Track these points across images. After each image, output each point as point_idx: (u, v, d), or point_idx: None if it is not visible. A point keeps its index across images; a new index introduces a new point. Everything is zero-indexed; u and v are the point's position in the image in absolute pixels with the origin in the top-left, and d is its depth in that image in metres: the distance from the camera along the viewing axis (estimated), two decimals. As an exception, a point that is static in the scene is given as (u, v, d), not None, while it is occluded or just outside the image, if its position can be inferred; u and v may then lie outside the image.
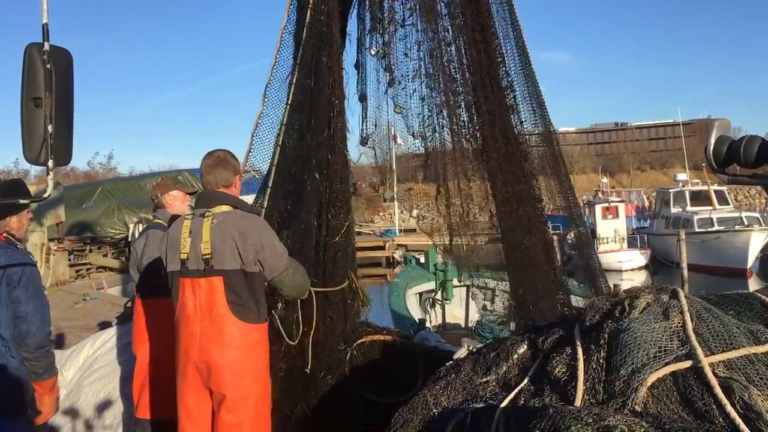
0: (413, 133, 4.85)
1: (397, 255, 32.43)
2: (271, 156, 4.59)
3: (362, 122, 5.01)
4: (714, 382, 2.16)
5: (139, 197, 21.57)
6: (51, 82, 2.29)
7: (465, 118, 4.79)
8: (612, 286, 5.65)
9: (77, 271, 17.41)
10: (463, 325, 8.75)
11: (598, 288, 5.15)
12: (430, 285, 11.39)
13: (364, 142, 5.02)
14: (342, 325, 4.72)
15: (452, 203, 5.08)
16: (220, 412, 3.29)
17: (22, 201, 3.42)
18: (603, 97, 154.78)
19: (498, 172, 4.73)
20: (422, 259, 14.89)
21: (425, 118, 4.83)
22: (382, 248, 34.32)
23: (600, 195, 37.92)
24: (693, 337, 2.35)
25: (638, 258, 29.41)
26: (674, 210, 31.54)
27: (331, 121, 4.63)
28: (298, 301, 4.16)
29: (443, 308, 9.32)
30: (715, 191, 30.73)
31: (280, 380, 4.16)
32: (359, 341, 4.79)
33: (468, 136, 4.81)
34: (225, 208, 3.46)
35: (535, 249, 4.76)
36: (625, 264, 28.31)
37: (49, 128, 2.27)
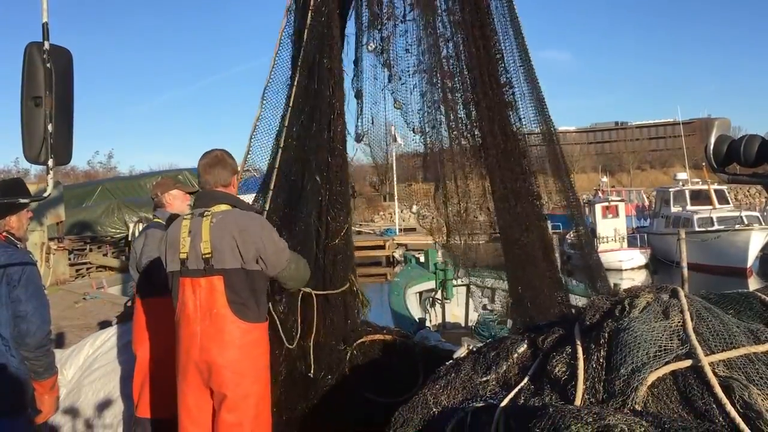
0: (413, 128, 4.84)
1: (397, 254, 32.46)
2: (270, 157, 4.59)
3: (357, 119, 5.00)
4: (714, 381, 2.16)
5: (139, 196, 21.59)
6: (51, 81, 2.29)
7: (463, 115, 4.78)
8: (612, 285, 5.65)
9: (77, 271, 17.42)
10: (463, 325, 8.75)
11: (597, 287, 5.14)
12: (430, 284, 11.39)
13: (359, 138, 5.01)
14: (343, 327, 4.72)
15: (450, 201, 5.07)
16: (221, 412, 3.29)
17: (22, 200, 3.42)
18: (603, 97, 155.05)
19: (497, 169, 4.72)
20: (422, 259, 14.88)
21: (425, 114, 4.82)
22: (382, 247, 34.36)
23: (600, 194, 37.92)
24: (693, 337, 2.35)
25: (638, 257, 29.45)
26: (674, 209, 31.57)
27: (332, 123, 4.64)
28: (299, 304, 4.17)
29: (443, 307, 9.32)
30: (715, 190, 30.75)
31: (280, 380, 4.17)
32: (359, 341, 4.79)
33: (466, 133, 4.79)
34: (224, 207, 3.46)
35: (533, 246, 4.75)
36: (625, 263, 28.36)
37: (49, 127, 2.27)
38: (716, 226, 27.74)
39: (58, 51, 2.35)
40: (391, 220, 48.61)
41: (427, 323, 9.03)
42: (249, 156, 4.67)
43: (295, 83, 4.47)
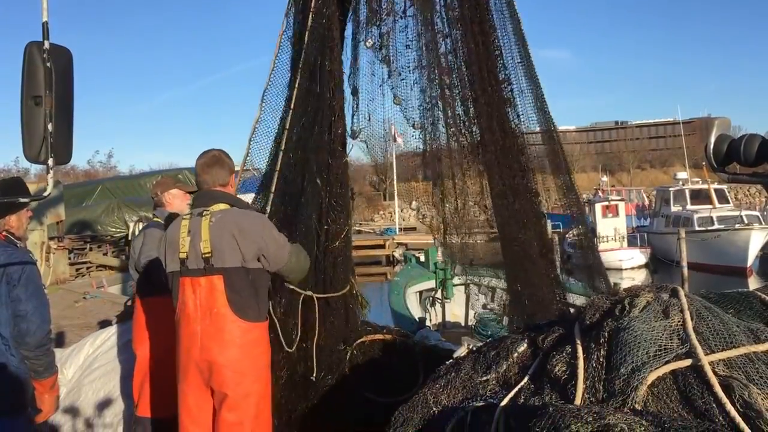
0: (413, 124, 4.82)
1: (397, 253, 32.45)
2: (270, 160, 4.59)
3: (353, 116, 4.99)
4: (714, 380, 2.16)
5: (139, 196, 21.59)
6: (51, 80, 2.29)
7: (461, 112, 4.77)
8: (612, 284, 5.65)
9: (77, 270, 17.41)
10: (463, 324, 8.75)
11: (598, 287, 5.14)
12: (430, 283, 11.38)
13: (354, 135, 5.00)
14: (343, 328, 4.73)
15: (447, 198, 5.06)
16: (222, 411, 3.29)
17: (22, 200, 3.42)
18: (603, 96, 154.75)
19: (495, 166, 4.72)
20: (422, 258, 14.87)
21: (425, 110, 4.80)
22: (382, 247, 34.35)
23: (600, 193, 37.95)
24: (693, 336, 2.35)
25: (638, 256, 29.45)
26: (674, 208, 31.58)
27: (332, 125, 4.64)
28: (300, 307, 4.18)
29: (443, 307, 9.31)
30: (715, 190, 30.74)
31: (281, 382, 4.18)
32: (359, 340, 4.79)
33: (464, 131, 4.78)
34: (223, 206, 3.47)
35: (530, 243, 4.75)
36: (625, 262, 28.36)
37: (49, 127, 2.27)
38: (716, 226, 27.73)
39: (58, 50, 2.35)
40: (391, 219, 48.58)
41: (427, 323, 9.04)
42: (248, 159, 4.67)
43: (296, 85, 4.47)
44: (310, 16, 4.47)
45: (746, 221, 27.78)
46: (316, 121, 4.47)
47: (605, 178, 51.15)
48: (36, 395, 3.37)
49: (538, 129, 5.03)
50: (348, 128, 4.94)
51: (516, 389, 2.58)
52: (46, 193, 2.42)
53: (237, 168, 4.02)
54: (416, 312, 10.84)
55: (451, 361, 3.21)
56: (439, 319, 9.31)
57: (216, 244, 3.32)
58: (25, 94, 2.29)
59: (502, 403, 2.48)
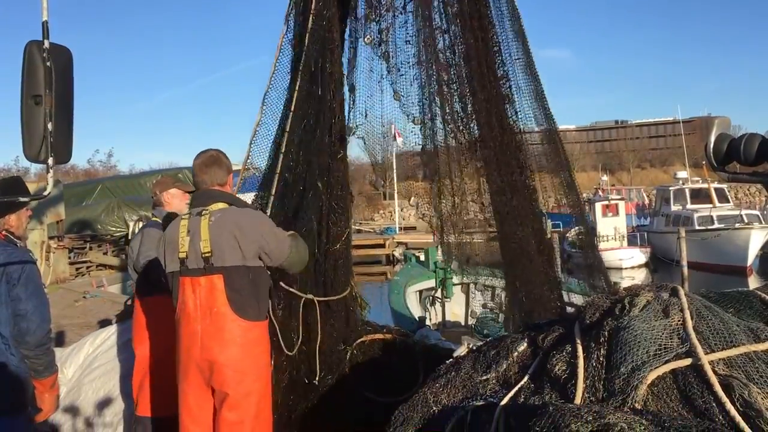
0: (413, 119, 4.81)
1: (397, 253, 32.43)
2: (270, 162, 4.58)
3: (349, 112, 4.98)
4: (714, 379, 2.16)
5: (139, 195, 21.56)
6: (51, 79, 2.28)
7: (458, 108, 4.76)
8: (612, 283, 5.65)
9: (77, 269, 17.40)
10: (463, 323, 8.76)
11: (598, 286, 5.14)
12: (430, 283, 11.37)
13: (349, 132, 4.99)
14: (343, 330, 4.74)
15: (444, 195, 5.05)
16: (222, 410, 3.29)
17: (21, 199, 3.42)
18: (603, 95, 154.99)
19: (494, 162, 4.71)
20: (422, 257, 14.86)
21: (424, 106, 4.79)
22: (382, 246, 34.32)
23: (600, 193, 37.95)
24: (693, 335, 2.35)
25: (638, 256, 29.44)
26: (674, 208, 31.57)
27: (332, 127, 4.64)
28: (300, 310, 4.18)
29: (443, 306, 9.32)
30: (715, 189, 30.73)
31: (282, 383, 4.18)
32: (359, 340, 4.79)
33: (461, 127, 4.77)
34: (221, 205, 3.47)
35: (528, 240, 4.75)
36: (625, 262, 28.35)
37: (49, 126, 2.27)
38: (716, 225, 27.71)
39: (58, 49, 2.35)
40: (391, 218, 48.60)
41: (427, 322, 9.04)
42: (249, 161, 4.68)
43: (297, 88, 4.47)
44: (311, 18, 4.46)
45: (746, 220, 27.75)
46: (318, 124, 4.47)
47: (605, 178, 51.12)
48: (36, 394, 3.37)
49: (537, 126, 5.02)
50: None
51: (516, 388, 2.58)
52: (46, 193, 2.42)
53: (235, 168, 4.02)
54: (416, 311, 10.83)
55: (451, 360, 3.21)
56: (439, 319, 9.32)
57: (216, 243, 3.32)
58: (25, 94, 2.29)
59: (502, 403, 2.48)
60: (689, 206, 30.66)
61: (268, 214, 4.29)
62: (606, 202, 30.90)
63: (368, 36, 4.76)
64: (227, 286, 3.31)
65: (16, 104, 2.29)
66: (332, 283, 4.62)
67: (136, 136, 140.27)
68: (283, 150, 4.42)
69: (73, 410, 4.66)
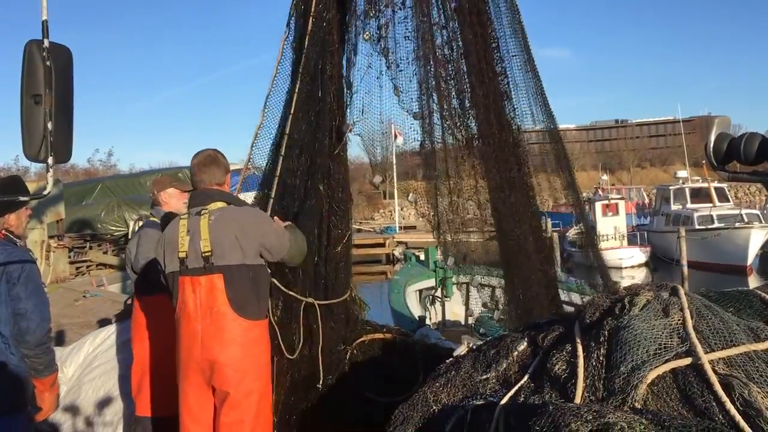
0: (414, 115, 4.80)
1: (397, 252, 32.42)
2: (270, 164, 4.58)
3: (346, 109, 4.97)
4: (714, 379, 2.16)
5: (139, 194, 21.55)
6: (51, 79, 2.28)
7: (456, 105, 4.76)
8: (612, 282, 5.65)
9: (77, 268, 17.38)
10: (463, 322, 8.75)
11: (597, 285, 5.14)
12: (430, 282, 11.37)
13: (346, 129, 4.98)
14: (344, 331, 4.74)
15: (441, 192, 5.05)
16: (223, 410, 3.29)
17: (21, 198, 3.42)
18: (603, 94, 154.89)
19: (492, 158, 4.71)
20: (422, 257, 14.85)
21: (423, 102, 4.79)
22: (382, 245, 34.33)
23: (600, 192, 37.92)
24: (693, 334, 2.35)
25: (638, 255, 29.45)
26: (674, 207, 31.58)
27: (333, 129, 4.63)
28: (301, 313, 4.18)
29: (443, 305, 9.31)
30: (715, 188, 30.74)
31: (284, 385, 4.19)
32: (359, 340, 4.80)
33: (459, 124, 4.77)
34: (220, 204, 3.47)
35: (525, 238, 4.75)
36: (625, 261, 28.36)
37: (49, 125, 2.27)
38: (716, 224, 27.71)
39: (58, 49, 2.34)
40: (391, 217, 48.61)
41: (427, 321, 9.03)
42: (250, 163, 4.68)
43: (297, 90, 4.46)
44: (311, 20, 4.46)
45: (746, 220, 27.76)
46: (318, 126, 4.47)
47: (605, 177, 51.06)
48: (36, 394, 3.37)
49: (535, 124, 5.02)
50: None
51: (516, 388, 2.58)
52: (45, 192, 2.42)
53: (235, 168, 4.01)
54: (416, 311, 10.83)
55: (451, 359, 3.21)
56: (439, 318, 9.31)
57: (216, 242, 3.32)
58: (25, 93, 2.29)
59: (502, 402, 2.48)
60: (689, 205, 30.67)
61: (268, 213, 4.28)
62: (606, 202, 30.91)
63: (367, 32, 4.75)
64: (227, 285, 3.31)
65: (16, 103, 2.30)
66: (333, 285, 4.62)
67: (136, 135, 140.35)
68: (282, 152, 4.42)
69: (73, 409, 4.66)
